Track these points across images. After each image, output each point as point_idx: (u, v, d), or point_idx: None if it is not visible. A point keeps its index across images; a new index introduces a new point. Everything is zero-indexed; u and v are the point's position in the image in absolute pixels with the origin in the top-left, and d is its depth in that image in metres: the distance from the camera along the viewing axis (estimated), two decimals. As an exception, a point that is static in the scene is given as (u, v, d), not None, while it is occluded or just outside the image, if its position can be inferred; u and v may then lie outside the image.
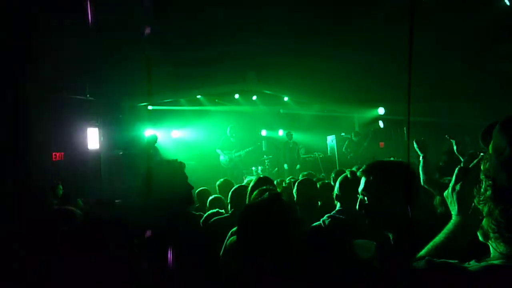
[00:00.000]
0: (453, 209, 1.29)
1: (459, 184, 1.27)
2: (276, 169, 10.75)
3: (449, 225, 1.29)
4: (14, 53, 5.67)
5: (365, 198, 1.79)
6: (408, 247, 1.43)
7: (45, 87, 6.21)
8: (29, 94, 5.94)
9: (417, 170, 3.67)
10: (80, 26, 6.10)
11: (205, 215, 3.50)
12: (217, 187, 4.95)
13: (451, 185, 1.31)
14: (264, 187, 2.55)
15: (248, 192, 2.84)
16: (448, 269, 0.99)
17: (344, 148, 10.55)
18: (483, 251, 1.04)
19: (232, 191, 3.35)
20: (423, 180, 3.50)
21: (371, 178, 1.79)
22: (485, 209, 0.98)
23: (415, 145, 3.75)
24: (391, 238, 1.75)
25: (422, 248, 1.32)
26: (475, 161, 1.28)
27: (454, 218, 1.29)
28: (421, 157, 3.69)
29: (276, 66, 9.11)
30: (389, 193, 1.73)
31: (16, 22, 5.42)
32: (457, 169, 1.32)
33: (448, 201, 1.32)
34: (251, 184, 2.91)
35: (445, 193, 1.34)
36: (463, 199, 1.25)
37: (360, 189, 1.82)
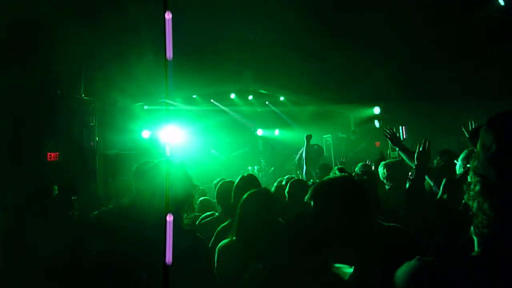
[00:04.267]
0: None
1: (446, 194, 1.30)
2: (272, 168, 10.78)
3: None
4: (10, 52, 5.66)
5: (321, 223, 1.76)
6: (378, 264, 1.44)
7: (40, 86, 6.18)
8: (23, 93, 5.92)
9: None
10: (76, 24, 6.09)
11: (200, 217, 3.52)
12: (214, 187, 4.96)
13: (438, 195, 1.34)
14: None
15: (233, 191, 2.83)
16: (439, 266, 1.00)
17: (343, 147, 10.62)
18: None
19: (217, 191, 3.36)
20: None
21: (317, 203, 1.78)
22: (475, 205, 1.00)
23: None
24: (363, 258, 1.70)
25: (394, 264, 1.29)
26: (461, 172, 1.31)
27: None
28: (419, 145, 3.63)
29: (272, 65, 9.11)
30: (339, 213, 1.70)
31: (13, 20, 5.41)
32: (444, 180, 1.35)
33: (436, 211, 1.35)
34: (235, 184, 2.91)
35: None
36: (450, 209, 1.28)
37: (314, 214, 1.80)
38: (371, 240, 1.64)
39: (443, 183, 1.34)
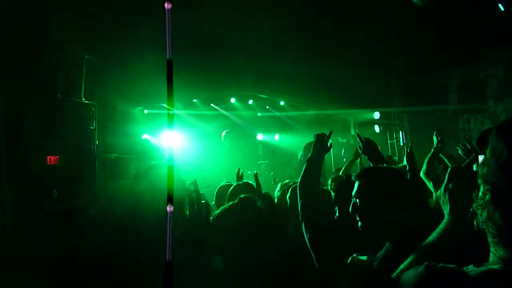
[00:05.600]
0: (445, 209, 1.32)
1: (452, 183, 1.29)
2: (272, 173, 10.75)
3: (441, 225, 1.31)
4: (10, 55, 5.66)
5: (357, 201, 1.83)
6: (402, 252, 1.43)
7: (40, 89, 6.19)
8: (23, 96, 5.92)
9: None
10: (77, 28, 6.10)
11: None
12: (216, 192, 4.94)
13: (443, 184, 1.33)
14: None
15: (227, 199, 2.86)
16: (448, 274, 0.98)
17: (343, 153, 10.63)
18: (479, 253, 1.04)
19: (216, 195, 3.40)
20: (423, 170, 3.37)
21: (363, 182, 1.85)
22: (484, 214, 0.97)
23: (434, 137, 3.75)
24: (387, 244, 1.77)
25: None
26: (467, 161, 1.30)
27: (446, 217, 1.31)
28: (433, 148, 3.61)
29: (273, 70, 9.12)
30: (380, 196, 1.77)
31: (12, 23, 5.42)
32: (449, 168, 1.33)
33: (441, 200, 1.34)
34: (229, 190, 2.94)
35: (437, 193, 1.36)
36: (455, 199, 1.27)
37: (353, 192, 1.87)
38: (401, 233, 1.70)
39: (448, 171, 1.33)
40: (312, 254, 2.14)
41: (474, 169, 1.25)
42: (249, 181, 3.75)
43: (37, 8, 5.29)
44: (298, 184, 2.50)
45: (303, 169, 2.48)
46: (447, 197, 1.31)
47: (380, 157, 2.88)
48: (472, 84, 8.94)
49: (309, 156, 2.51)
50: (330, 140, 2.60)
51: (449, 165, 3.92)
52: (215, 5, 5.98)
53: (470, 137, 9.49)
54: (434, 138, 3.75)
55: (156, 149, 9.10)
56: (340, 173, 4.61)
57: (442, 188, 1.33)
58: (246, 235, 1.96)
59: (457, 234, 1.25)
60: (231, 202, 2.27)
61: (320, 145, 2.57)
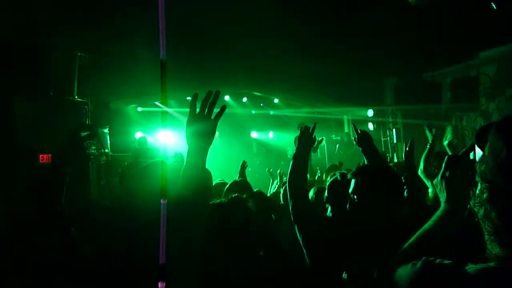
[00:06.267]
0: (442, 197, 1.33)
1: (448, 171, 1.29)
2: (267, 169, 10.76)
3: (438, 213, 1.32)
4: (1, 53, 5.60)
5: (355, 197, 1.88)
6: (397, 249, 1.44)
7: (32, 87, 6.12)
8: (15, 94, 5.85)
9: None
10: (68, 25, 6.05)
11: None
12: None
13: (440, 173, 1.33)
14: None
15: (223, 196, 2.84)
16: (445, 271, 0.99)
17: (337, 150, 10.69)
18: (473, 249, 1.05)
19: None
20: (420, 168, 3.31)
21: (360, 179, 1.89)
22: (481, 212, 0.98)
23: (426, 130, 3.59)
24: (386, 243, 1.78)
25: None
26: (463, 150, 1.31)
27: (442, 205, 1.32)
28: (428, 144, 3.47)
29: (267, 68, 9.11)
30: (376, 193, 1.82)
31: (4, 21, 5.36)
32: (446, 157, 1.34)
33: (438, 188, 1.35)
34: (225, 188, 2.93)
35: (434, 181, 1.37)
36: (452, 187, 1.28)
37: (350, 190, 1.91)
38: (399, 230, 1.69)
39: (445, 159, 1.33)
40: (305, 252, 2.14)
41: (471, 157, 1.26)
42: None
43: (30, 6, 5.23)
44: (287, 183, 2.41)
45: (290, 166, 2.38)
46: (444, 185, 1.31)
47: (376, 150, 2.76)
48: (465, 82, 8.99)
49: (294, 152, 2.44)
50: (323, 138, 2.59)
51: (449, 152, 3.88)
52: (210, 2, 5.95)
53: (463, 134, 9.59)
54: (427, 132, 3.59)
55: (153, 147, 9.06)
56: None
57: (439, 176, 1.33)
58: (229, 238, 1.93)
59: (453, 222, 1.26)
60: (218, 200, 2.20)
61: (304, 140, 2.45)
